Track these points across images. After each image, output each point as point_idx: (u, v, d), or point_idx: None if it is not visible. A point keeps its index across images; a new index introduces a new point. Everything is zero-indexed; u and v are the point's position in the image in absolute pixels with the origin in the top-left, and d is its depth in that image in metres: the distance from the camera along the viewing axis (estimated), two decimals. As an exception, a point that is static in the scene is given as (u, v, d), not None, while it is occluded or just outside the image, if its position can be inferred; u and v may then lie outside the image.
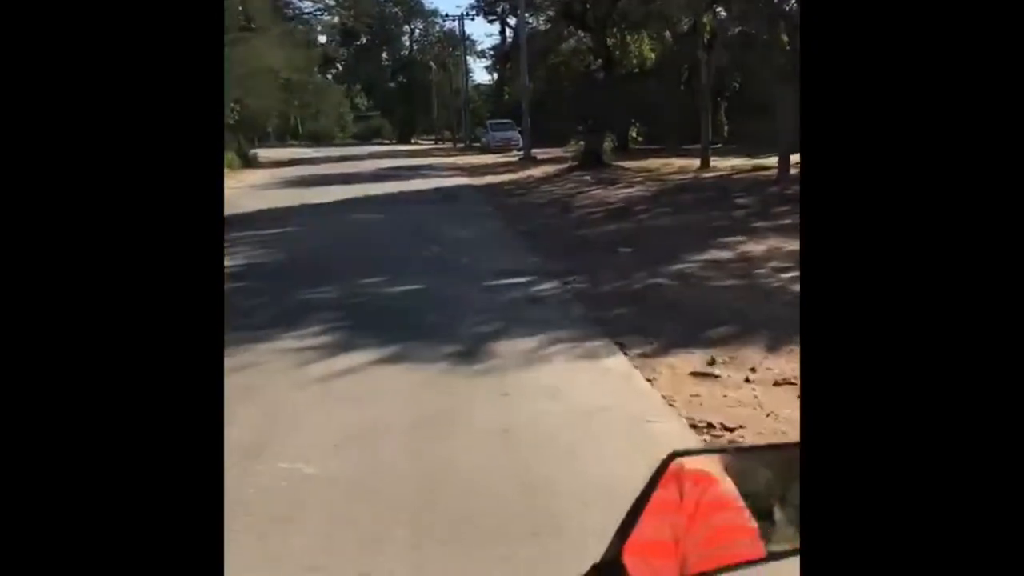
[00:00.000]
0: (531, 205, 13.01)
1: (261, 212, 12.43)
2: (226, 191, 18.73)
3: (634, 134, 28.50)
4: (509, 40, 45.17)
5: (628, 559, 0.67)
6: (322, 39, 56.29)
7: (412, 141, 56.93)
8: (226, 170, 27.15)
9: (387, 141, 60.07)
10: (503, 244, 8.93)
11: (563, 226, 10.31)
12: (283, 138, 64.13)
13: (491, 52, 54.25)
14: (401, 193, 15.86)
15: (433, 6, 60.33)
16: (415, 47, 61.02)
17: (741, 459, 0.79)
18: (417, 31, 60.89)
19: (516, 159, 26.21)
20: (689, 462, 0.72)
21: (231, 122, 37.34)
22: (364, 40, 59.10)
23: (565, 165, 20.72)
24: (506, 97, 46.88)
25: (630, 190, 14.51)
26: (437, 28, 59.32)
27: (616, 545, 0.68)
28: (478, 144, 38.17)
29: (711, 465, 0.73)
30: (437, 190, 16.51)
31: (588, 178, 17.25)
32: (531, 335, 4.88)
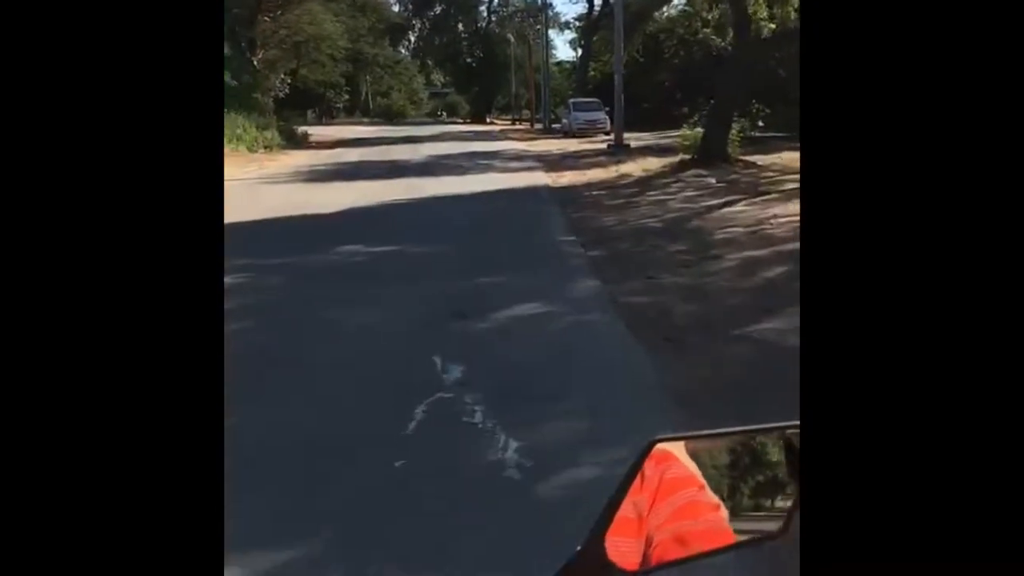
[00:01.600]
0: (641, 233, 8.08)
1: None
2: (227, 184, 14.37)
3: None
4: (597, 9, 40.01)
5: (608, 543, 0.68)
6: (395, 8, 51.90)
7: (487, 120, 52.46)
8: (260, 152, 23.03)
9: (461, 120, 55.98)
10: (603, 360, 4.05)
11: (721, 299, 5.35)
12: (353, 114, 60.68)
13: (576, 22, 49.11)
14: (448, 199, 11.15)
15: (514, -27, 54.80)
16: (493, 18, 56.12)
17: (709, 443, 0.79)
18: (495, 0, 55.94)
19: (605, 146, 21.20)
20: (666, 445, 0.73)
21: (281, 95, 33.42)
22: (439, 10, 54.50)
23: (672, 158, 15.61)
24: (591, 73, 41.80)
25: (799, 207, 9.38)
26: (518, -2, 54.33)
27: (599, 531, 0.69)
28: (558, 126, 33.33)
29: (675, 448, 0.75)
30: (500, 194, 11.73)
31: (712, 181, 12.17)
32: None
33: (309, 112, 55.11)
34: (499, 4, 55.77)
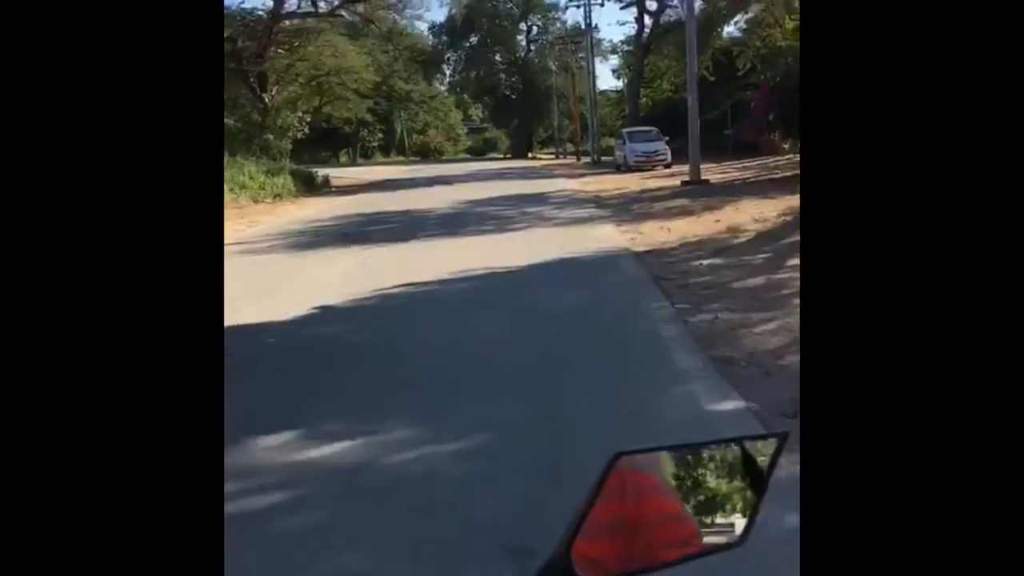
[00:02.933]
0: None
1: None
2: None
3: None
4: (648, 29, 36.18)
5: (574, 555, 0.68)
6: (428, 40, 48.70)
7: (529, 155, 48.82)
8: (266, 203, 19.44)
9: (502, 155, 52.56)
10: None
11: None
12: (389, 153, 57.72)
13: (623, 46, 45.34)
14: (478, 285, 7.19)
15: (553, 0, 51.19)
16: (532, 47, 52.74)
17: (679, 457, 0.80)
18: (535, 28, 52.59)
19: (678, 183, 17.15)
20: (632, 460, 0.74)
21: (299, 136, 30.07)
22: (475, 40, 51.32)
23: (783, 199, 11.49)
24: (642, 100, 37.90)
25: None
26: (557, 25, 50.83)
27: (565, 544, 0.68)
28: (609, 158, 29.43)
29: (652, 463, 0.76)
30: (557, 270, 7.71)
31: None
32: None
33: (342, 153, 52.20)
34: (538, 32, 52.45)
